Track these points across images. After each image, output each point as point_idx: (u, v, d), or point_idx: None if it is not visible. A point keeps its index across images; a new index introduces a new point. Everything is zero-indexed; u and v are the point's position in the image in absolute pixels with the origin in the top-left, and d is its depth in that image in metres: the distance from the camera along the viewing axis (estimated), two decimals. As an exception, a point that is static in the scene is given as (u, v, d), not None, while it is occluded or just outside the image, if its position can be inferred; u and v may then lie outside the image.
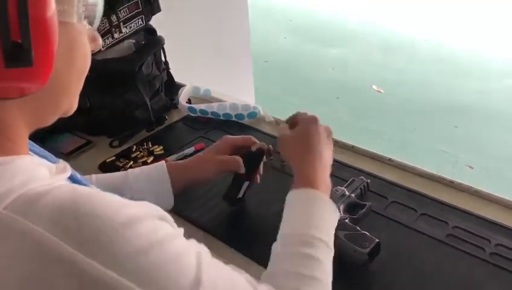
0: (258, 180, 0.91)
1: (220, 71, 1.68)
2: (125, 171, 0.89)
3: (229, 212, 0.92)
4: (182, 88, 1.28)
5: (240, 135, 1.14)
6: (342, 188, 0.91)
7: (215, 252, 0.53)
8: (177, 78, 1.35)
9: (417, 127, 3.06)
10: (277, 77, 3.80)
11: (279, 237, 0.67)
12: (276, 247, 0.66)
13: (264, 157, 0.91)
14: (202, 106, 1.22)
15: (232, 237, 0.86)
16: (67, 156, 1.11)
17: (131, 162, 1.06)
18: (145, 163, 1.06)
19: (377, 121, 3.12)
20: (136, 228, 0.43)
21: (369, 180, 0.94)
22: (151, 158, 1.08)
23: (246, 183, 0.89)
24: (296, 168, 0.76)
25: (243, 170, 0.87)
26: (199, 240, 0.52)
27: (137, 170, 0.89)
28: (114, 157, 1.09)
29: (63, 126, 1.18)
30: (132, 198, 0.50)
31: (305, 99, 3.44)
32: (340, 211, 0.86)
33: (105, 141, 1.16)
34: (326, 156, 0.77)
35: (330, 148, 0.80)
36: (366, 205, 0.88)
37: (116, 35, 1.07)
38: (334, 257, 0.66)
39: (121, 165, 1.06)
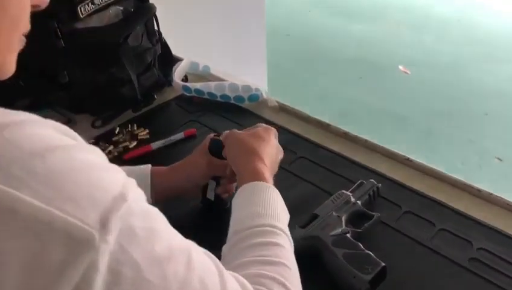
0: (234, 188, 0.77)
1: (227, 45, 1.53)
2: None
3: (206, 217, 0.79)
4: (177, 63, 1.14)
5: (238, 120, 1.01)
6: (347, 192, 0.77)
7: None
8: (178, 53, 1.21)
9: (444, 112, 2.86)
10: (297, 52, 3.62)
11: (229, 236, 0.57)
12: (226, 248, 0.56)
13: None
14: (198, 85, 1.08)
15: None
16: (43, 135, 0.99)
17: (111, 147, 0.94)
18: (126, 148, 0.94)
19: (400, 104, 2.92)
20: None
21: (380, 185, 0.80)
22: (134, 143, 0.95)
23: (213, 183, 0.76)
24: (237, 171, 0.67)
25: None
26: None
27: None
28: (93, 140, 0.97)
29: (44, 101, 1.06)
30: None
31: (324, 77, 3.25)
32: (342, 222, 0.72)
33: (88, 120, 1.03)
34: (268, 154, 0.69)
35: (272, 145, 0.71)
36: (373, 216, 0.73)
37: (97, 1, 0.93)
38: (329, 282, 0.56)
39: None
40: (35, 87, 1.00)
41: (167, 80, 1.14)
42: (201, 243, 0.45)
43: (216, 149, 0.74)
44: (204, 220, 0.78)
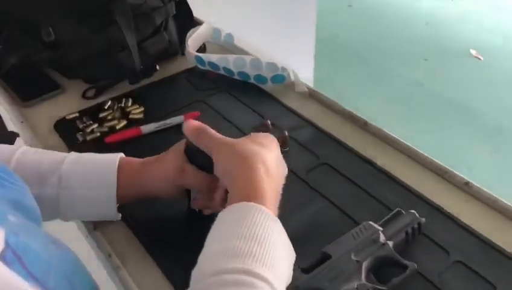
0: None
1: (266, 12, 1.31)
2: (65, 154, 0.60)
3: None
4: (193, 28, 0.95)
5: (255, 106, 0.82)
6: (376, 226, 0.56)
7: None
8: (200, 15, 1.02)
9: (518, 108, 2.50)
10: (357, 26, 3.30)
11: (192, 275, 0.41)
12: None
13: None
14: (214, 57, 0.88)
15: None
16: (24, 101, 0.84)
17: (95, 125, 0.77)
18: (112, 128, 0.77)
19: (469, 94, 2.58)
20: None
21: (424, 220, 0.58)
22: (123, 123, 0.78)
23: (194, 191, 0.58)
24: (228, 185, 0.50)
25: None
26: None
27: (80, 156, 0.60)
28: (77, 114, 0.80)
29: (29, 61, 0.91)
30: (58, 195, 0.53)
31: (385, 55, 2.94)
32: (361, 271, 0.51)
33: (80, 89, 0.87)
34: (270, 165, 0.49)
35: (274, 155, 0.52)
36: (408, 266, 0.52)
37: None
38: None
39: (80, 126, 0.77)
40: (17, 43, 0.84)
41: (181, 48, 0.95)
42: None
43: (192, 154, 0.55)
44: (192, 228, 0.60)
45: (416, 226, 0.57)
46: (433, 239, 0.58)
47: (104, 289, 0.46)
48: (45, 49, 0.83)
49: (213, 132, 0.53)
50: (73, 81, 0.89)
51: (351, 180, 0.67)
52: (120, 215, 0.60)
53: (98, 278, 0.50)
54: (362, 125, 0.76)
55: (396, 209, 0.59)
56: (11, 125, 0.81)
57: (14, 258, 0.32)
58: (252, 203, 0.45)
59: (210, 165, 0.54)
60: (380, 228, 0.56)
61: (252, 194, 0.46)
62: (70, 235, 0.74)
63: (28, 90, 0.86)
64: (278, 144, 0.54)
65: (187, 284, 0.40)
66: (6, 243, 0.32)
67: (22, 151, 0.59)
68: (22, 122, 0.79)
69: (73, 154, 0.60)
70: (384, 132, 0.73)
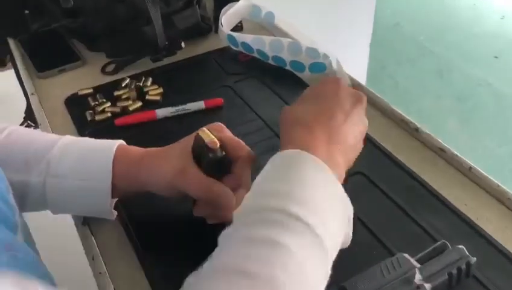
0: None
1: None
2: (58, 137, 0.53)
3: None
4: (230, 4, 0.85)
5: (288, 96, 0.71)
6: (412, 261, 0.45)
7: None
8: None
9: None
10: (423, 14, 3.07)
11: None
12: (225, 232, 0.36)
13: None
14: (248, 38, 0.78)
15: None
16: (40, 72, 0.78)
17: (107, 104, 0.70)
18: (124, 109, 0.69)
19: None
20: None
21: (475, 259, 0.46)
22: (138, 104, 0.70)
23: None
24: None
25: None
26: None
27: (74, 140, 0.53)
28: (91, 90, 0.73)
29: (48, 28, 0.85)
30: (44, 183, 0.48)
31: (450, 50, 2.72)
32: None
33: (100, 62, 0.80)
34: (344, 131, 0.44)
35: (354, 122, 0.45)
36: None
37: None
38: None
39: (92, 104, 0.70)
40: (42, 10, 0.78)
41: (215, 25, 0.86)
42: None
43: (201, 150, 0.46)
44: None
45: (463, 266, 0.45)
46: (485, 285, 0.46)
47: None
48: (65, 17, 0.77)
49: None
50: (95, 54, 0.82)
51: (389, 197, 0.55)
52: (115, 213, 0.52)
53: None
54: (413, 131, 0.64)
55: (441, 241, 0.47)
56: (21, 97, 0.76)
57: None
58: (304, 153, 0.39)
59: (219, 166, 0.46)
60: (417, 265, 0.45)
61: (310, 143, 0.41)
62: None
63: (47, 60, 0.80)
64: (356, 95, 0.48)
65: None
66: None
67: (11, 129, 0.52)
68: (32, 94, 0.73)
69: (68, 138, 0.52)
70: (440, 142, 0.61)
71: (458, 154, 0.59)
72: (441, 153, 0.60)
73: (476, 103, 2.29)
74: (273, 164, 0.40)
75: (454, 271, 0.45)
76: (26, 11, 0.87)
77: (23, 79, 0.78)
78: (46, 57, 0.81)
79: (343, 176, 0.43)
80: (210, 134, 0.46)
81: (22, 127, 0.54)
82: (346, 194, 0.41)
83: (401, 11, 3.04)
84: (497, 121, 2.18)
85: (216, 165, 0.47)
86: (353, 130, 0.45)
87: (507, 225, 0.52)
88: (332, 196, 0.39)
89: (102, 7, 0.75)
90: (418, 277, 0.44)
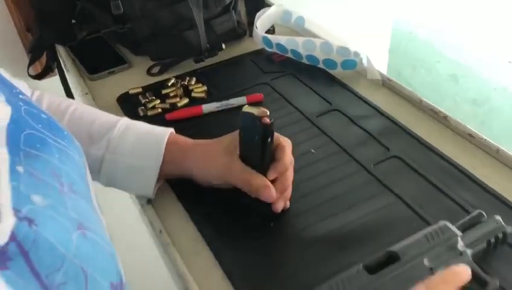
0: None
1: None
2: (117, 118, 0.60)
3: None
4: (263, 9, 0.91)
5: (323, 92, 0.76)
6: (454, 229, 0.49)
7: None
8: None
9: None
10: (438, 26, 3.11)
11: None
12: None
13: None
14: (282, 40, 0.84)
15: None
16: (91, 74, 0.84)
17: (157, 101, 0.76)
18: (174, 105, 0.75)
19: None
20: None
21: (510, 227, 0.50)
22: (185, 101, 0.76)
23: None
24: None
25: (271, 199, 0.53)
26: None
27: (132, 123, 0.60)
28: (141, 89, 0.79)
29: (97, 34, 0.92)
30: (103, 158, 0.54)
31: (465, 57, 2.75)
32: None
33: (145, 65, 0.86)
34: None
35: None
36: (488, 283, 0.45)
37: None
38: None
39: (143, 101, 0.76)
40: (89, 17, 0.85)
41: (250, 29, 0.92)
42: None
43: (249, 126, 0.51)
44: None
45: (500, 234, 0.50)
46: (519, 251, 0.51)
47: (153, 267, 0.43)
48: (114, 23, 0.83)
49: None
50: (139, 57, 0.89)
51: (424, 177, 0.60)
52: (154, 193, 0.58)
53: (148, 257, 0.48)
54: (442, 119, 0.69)
55: (477, 211, 0.52)
56: (76, 96, 0.82)
57: (19, 252, 0.29)
58: None
59: (271, 136, 0.51)
60: (459, 233, 0.49)
61: None
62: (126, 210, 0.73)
63: (96, 64, 0.86)
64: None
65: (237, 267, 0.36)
66: (13, 236, 0.29)
67: (76, 107, 0.59)
68: (86, 93, 0.79)
69: (126, 120, 0.59)
70: (469, 128, 0.65)
71: (486, 138, 0.63)
72: (470, 138, 0.65)
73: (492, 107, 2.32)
74: None
75: (493, 239, 0.49)
76: (73, 21, 0.95)
77: (72, 82, 0.84)
78: (95, 61, 0.87)
79: None
80: (253, 107, 0.52)
81: (83, 104, 0.61)
82: None
83: (416, 18, 3.08)
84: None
85: (269, 132, 0.51)
86: None
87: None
88: None
89: (149, 14, 0.81)
90: (460, 244, 0.48)
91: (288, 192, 0.55)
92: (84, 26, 0.94)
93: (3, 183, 0.31)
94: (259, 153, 0.52)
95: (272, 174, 0.53)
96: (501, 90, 2.44)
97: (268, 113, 0.51)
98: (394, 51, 1.77)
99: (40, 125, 0.40)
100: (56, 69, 0.97)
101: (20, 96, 0.42)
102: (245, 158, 0.54)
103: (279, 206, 0.54)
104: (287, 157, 0.54)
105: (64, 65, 0.92)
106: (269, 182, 0.53)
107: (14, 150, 0.34)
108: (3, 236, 0.28)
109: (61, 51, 0.93)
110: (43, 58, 0.95)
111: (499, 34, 3.07)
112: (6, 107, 0.38)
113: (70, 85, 0.86)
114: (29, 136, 0.37)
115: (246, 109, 0.52)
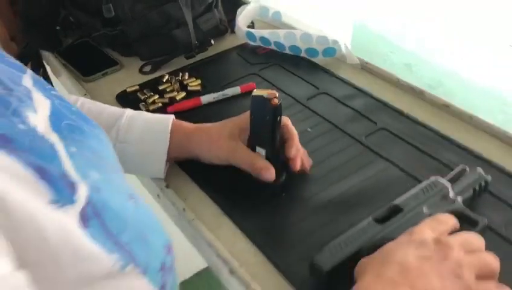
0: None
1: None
2: (123, 109, 0.64)
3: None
4: (242, 6, 0.97)
5: (308, 77, 0.83)
6: (445, 181, 0.57)
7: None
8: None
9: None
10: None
11: None
12: None
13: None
14: (265, 33, 0.90)
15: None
16: (86, 76, 0.87)
17: (156, 96, 0.80)
18: (172, 99, 0.80)
19: None
20: None
21: (490, 177, 0.59)
22: (183, 94, 0.81)
23: (262, 151, 0.60)
24: None
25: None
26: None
27: (137, 113, 0.65)
28: (137, 87, 0.83)
29: (89, 38, 0.95)
30: (114, 147, 0.49)
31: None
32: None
33: (137, 65, 0.90)
34: None
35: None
36: (478, 222, 0.53)
37: None
38: None
39: (142, 97, 0.80)
40: (77, 23, 0.88)
41: (230, 26, 0.97)
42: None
43: (259, 107, 0.57)
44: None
45: (483, 183, 0.58)
46: (499, 196, 0.59)
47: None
48: (103, 27, 0.86)
49: None
50: (129, 58, 0.92)
51: (410, 143, 0.68)
52: (165, 173, 0.63)
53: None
54: (419, 94, 0.77)
55: (461, 165, 0.60)
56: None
57: (93, 213, 0.33)
58: None
59: (280, 114, 0.57)
60: (449, 184, 0.57)
61: None
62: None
63: (88, 67, 0.89)
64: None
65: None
66: (88, 200, 0.33)
67: (83, 101, 0.63)
68: (85, 94, 0.82)
69: (130, 111, 0.64)
70: (445, 101, 0.74)
71: (460, 106, 0.72)
72: (445, 108, 0.74)
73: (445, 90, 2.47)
74: None
75: (477, 187, 0.57)
76: (58, 27, 0.97)
77: (66, 85, 0.87)
78: (86, 64, 0.90)
79: None
80: (263, 90, 0.58)
81: (88, 99, 0.65)
82: None
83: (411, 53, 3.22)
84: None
85: (278, 112, 0.57)
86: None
87: (504, 154, 0.65)
88: None
89: (139, 15, 0.85)
90: (451, 193, 0.56)
91: (304, 152, 0.62)
92: (68, 32, 0.97)
93: (65, 160, 0.35)
94: (269, 132, 0.58)
95: (292, 151, 0.60)
96: (452, 75, 2.62)
97: (277, 94, 0.57)
98: (354, 45, 1.88)
99: (74, 116, 0.44)
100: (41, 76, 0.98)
101: (52, 92, 0.46)
102: (256, 137, 0.60)
103: (297, 163, 0.60)
104: (293, 128, 0.61)
105: (53, 71, 0.94)
106: (270, 164, 0.59)
107: (61, 135, 0.38)
108: (83, 200, 0.33)
109: (49, 58, 0.95)
110: (28, 66, 0.97)
111: (448, 22, 3.26)
112: (46, 100, 0.42)
113: (65, 88, 0.88)
114: (68, 126, 0.42)
115: (256, 92, 0.58)
